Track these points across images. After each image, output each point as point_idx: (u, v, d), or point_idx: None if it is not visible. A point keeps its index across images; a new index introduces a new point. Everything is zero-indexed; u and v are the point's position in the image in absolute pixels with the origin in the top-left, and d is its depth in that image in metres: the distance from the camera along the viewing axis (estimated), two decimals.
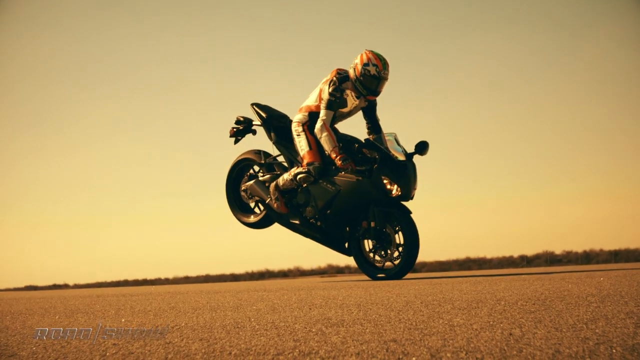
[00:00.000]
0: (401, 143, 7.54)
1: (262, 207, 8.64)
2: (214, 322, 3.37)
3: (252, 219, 8.87)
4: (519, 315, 2.89)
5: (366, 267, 7.67)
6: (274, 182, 8.09)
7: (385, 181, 7.18)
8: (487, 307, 3.29)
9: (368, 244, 7.66)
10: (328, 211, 7.64)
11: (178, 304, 5.02)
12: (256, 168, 8.77)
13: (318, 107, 7.70)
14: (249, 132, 8.68)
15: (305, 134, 7.71)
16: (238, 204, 9.07)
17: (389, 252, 7.42)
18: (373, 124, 7.88)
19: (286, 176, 7.91)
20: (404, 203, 7.40)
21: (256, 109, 8.50)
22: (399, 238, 7.38)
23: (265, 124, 8.39)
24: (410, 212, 7.33)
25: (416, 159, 7.51)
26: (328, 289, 6.04)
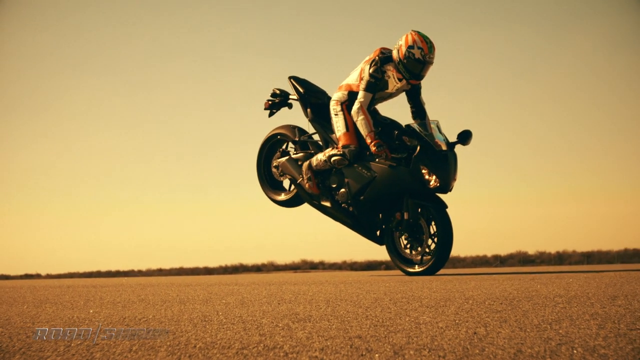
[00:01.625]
0: (443, 131, 7.22)
1: (293, 186, 8.40)
2: (181, 314, 3.36)
3: (282, 197, 8.62)
4: (485, 314, 2.91)
5: (398, 259, 7.41)
6: (307, 162, 7.83)
7: (423, 171, 6.92)
8: (454, 306, 3.30)
9: (401, 237, 7.40)
10: (361, 197, 7.39)
11: (148, 296, 5.00)
12: (290, 144, 8.49)
13: (359, 86, 7.34)
14: (284, 106, 8.40)
15: (344, 114, 7.41)
16: (269, 180, 8.80)
17: (421, 246, 7.19)
18: (417, 108, 7.49)
19: (320, 156, 7.66)
20: (441, 196, 7.15)
21: (293, 82, 8.19)
22: (433, 232, 7.12)
23: (302, 99, 8.10)
24: (446, 207, 7.08)
25: (458, 149, 7.23)
26: (299, 284, 6.04)
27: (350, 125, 7.38)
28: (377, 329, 2.54)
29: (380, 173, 7.17)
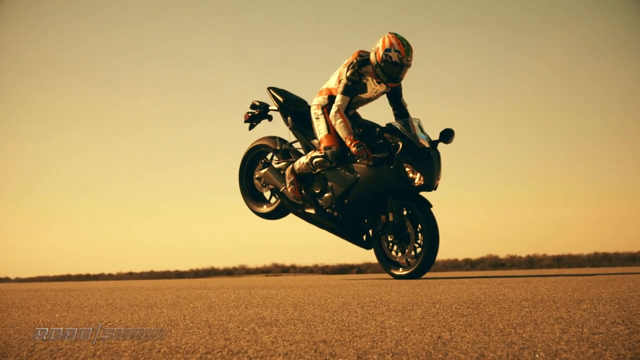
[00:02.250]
0: (425, 130, 7.11)
1: (276, 197, 8.31)
2: (148, 319, 3.34)
3: (265, 209, 8.53)
4: (451, 318, 2.92)
5: (385, 263, 7.30)
6: (290, 166, 7.74)
7: (407, 169, 6.80)
8: (421, 310, 3.31)
9: (387, 239, 7.29)
10: (345, 200, 7.28)
11: (115, 300, 4.96)
12: (271, 155, 8.39)
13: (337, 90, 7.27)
14: (264, 118, 8.33)
15: (325, 117, 7.34)
16: (251, 193, 8.71)
17: (407, 248, 7.06)
18: (399, 110, 7.46)
19: (303, 159, 7.57)
20: (425, 195, 7.07)
21: (273, 92, 8.13)
22: (419, 234, 7.00)
23: (281, 108, 8.03)
24: (431, 206, 6.99)
25: (440, 147, 7.12)
26: (268, 288, 6.03)
27: (332, 128, 7.31)
28: (342, 334, 2.54)
29: (363, 174, 7.08)
